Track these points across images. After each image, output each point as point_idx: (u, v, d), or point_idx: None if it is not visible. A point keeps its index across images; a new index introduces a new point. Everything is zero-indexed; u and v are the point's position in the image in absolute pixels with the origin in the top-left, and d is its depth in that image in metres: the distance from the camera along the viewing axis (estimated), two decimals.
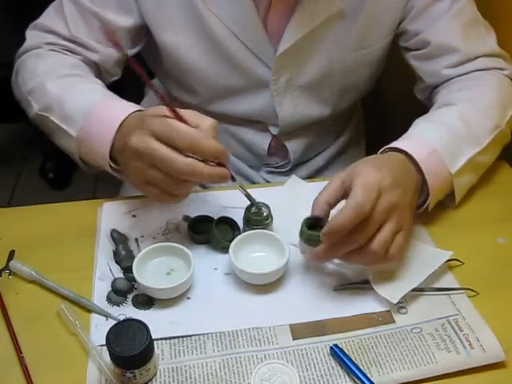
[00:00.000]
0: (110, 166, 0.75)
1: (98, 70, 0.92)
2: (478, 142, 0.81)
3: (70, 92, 0.81)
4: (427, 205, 0.76)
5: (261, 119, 0.96)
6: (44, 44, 0.89)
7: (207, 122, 0.68)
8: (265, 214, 0.76)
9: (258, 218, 0.75)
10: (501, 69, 0.90)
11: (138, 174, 0.69)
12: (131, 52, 0.92)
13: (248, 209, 0.75)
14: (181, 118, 0.66)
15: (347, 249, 0.66)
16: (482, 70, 0.90)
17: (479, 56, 0.89)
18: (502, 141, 0.86)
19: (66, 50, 0.89)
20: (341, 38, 0.87)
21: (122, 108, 0.75)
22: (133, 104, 0.76)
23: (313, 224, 0.69)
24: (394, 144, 0.77)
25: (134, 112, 0.73)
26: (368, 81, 0.98)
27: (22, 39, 0.93)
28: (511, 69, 0.92)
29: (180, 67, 0.91)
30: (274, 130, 0.97)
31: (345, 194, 0.67)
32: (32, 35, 0.91)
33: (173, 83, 0.99)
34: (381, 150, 0.78)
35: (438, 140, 0.77)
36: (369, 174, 0.67)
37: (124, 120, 0.72)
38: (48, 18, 0.90)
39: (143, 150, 0.66)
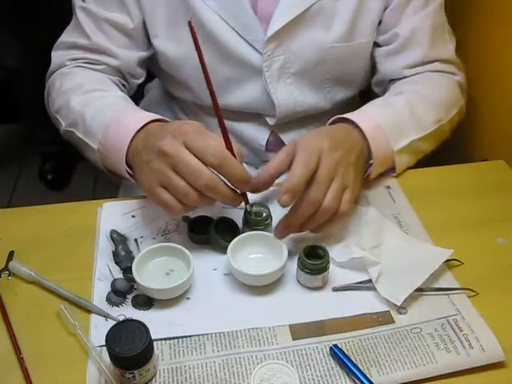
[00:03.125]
0: (128, 173, 0.78)
1: (122, 75, 0.95)
2: (421, 128, 0.86)
3: (90, 107, 0.84)
4: (369, 172, 0.82)
5: (257, 110, 0.97)
6: (67, 61, 0.92)
7: (235, 148, 0.70)
8: (264, 214, 0.76)
9: (257, 218, 0.75)
10: (453, 73, 0.95)
11: (157, 175, 0.69)
12: (150, 52, 0.94)
13: (247, 210, 0.75)
14: (227, 140, 0.69)
15: (308, 210, 0.70)
16: (437, 71, 0.94)
17: (437, 60, 0.94)
18: (442, 135, 0.91)
19: (89, 63, 0.92)
20: (331, 25, 0.88)
21: (135, 120, 0.77)
22: (148, 114, 0.79)
23: (310, 253, 0.70)
24: (342, 115, 0.81)
25: (150, 122, 0.76)
26: (362, 74, 0.99)
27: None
28: (462, 76, 0.97)
29: (172, 62, 0.92)
30: (271, 121, 0.97)
31: (289, 165, 0.70)
32: (56, 55, 0.95)
33: (168, 79, 0.99)
34: (329, 121, 0.82)
35: (383, 117, 0.82)
36: (309, 139, 0.72)
37: (139, 130, 0.75)
38: (67, 34, 0.94)
39: (172, 153, 0.67)
